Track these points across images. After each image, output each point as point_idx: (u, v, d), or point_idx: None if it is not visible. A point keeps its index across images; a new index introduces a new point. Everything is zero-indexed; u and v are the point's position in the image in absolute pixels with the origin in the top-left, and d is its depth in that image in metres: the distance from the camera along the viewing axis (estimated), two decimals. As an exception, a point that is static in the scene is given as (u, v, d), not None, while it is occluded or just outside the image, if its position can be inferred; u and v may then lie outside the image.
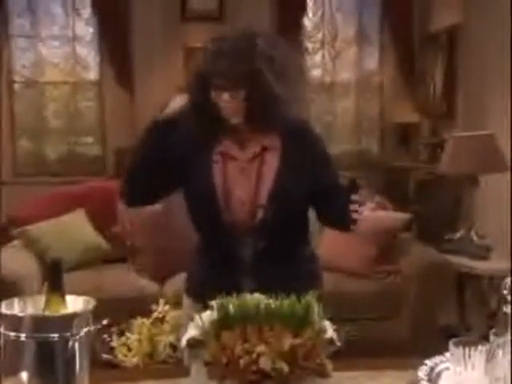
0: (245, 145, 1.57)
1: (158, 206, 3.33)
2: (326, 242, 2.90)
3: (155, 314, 1.74)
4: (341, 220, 1.49)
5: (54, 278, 1.05)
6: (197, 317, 1.06)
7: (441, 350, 1.21)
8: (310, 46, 5.89)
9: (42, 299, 1.06)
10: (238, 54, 1.47)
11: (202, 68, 1.53)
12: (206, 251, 1.64)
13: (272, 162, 1.55)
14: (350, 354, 1.26)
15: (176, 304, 1.77)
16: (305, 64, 5.37)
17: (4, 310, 1.03)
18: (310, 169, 1.55)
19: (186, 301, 1.64)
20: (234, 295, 1.08)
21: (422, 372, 1.16)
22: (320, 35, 5.90)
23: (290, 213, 1.55)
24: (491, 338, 1.10)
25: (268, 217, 1.52)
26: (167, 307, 1.76)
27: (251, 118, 1.52)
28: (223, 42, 1.51)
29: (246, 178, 1.55)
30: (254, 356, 0.96)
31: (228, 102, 1.50)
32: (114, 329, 1.74)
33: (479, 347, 1.07)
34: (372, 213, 3.37)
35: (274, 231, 1.54)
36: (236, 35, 1.52)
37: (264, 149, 1.56)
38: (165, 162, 1.56)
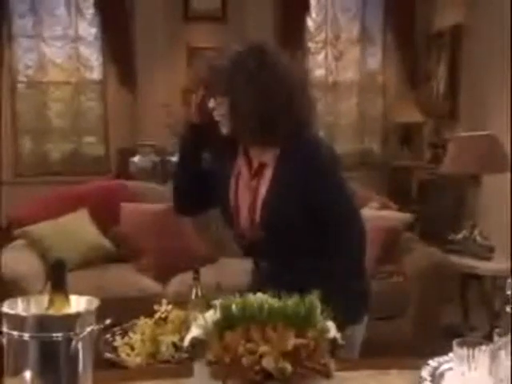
0: (250, 161, 1.61)
1: (160, 206, 3.34)
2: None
3: (158, 314, 1.74)
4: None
5: (58, 278, 1.05)
6: (200, 317, 1.06)
7: (444, 350, 1.21)
8: (312, 46, 5.89)
9: (45, 299, 1.06)
10: (221, 65, 1.54)
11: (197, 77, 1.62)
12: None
13: (266, 178, 1.57)
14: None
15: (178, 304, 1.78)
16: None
17: (7, 310, 1.03)
18: (304, 185, 1.52)
19: None
20: (237, 295, 1.08)
21: (426, 372, 1.16)
22: (323, 35, 5.89)
23: (285, 231, 1.55)
24: (495, 338, 1.10)
25: (263, 235, 1.55)
26: (170, 307, 1.76)
27: (238, 129, 1.54)
28: (221, 56, 1.58)
29: (247, 195, 1.59)
30: (257, 356, 0.96)
31: (213, 109, 1.55)
32: (116, 328, 1.74)
33: (483, 347, 1.07)
34: (375, 213, 3.38)
35: (273, 249, 1.56)
36: (232, 47, 1.58)
37: (261, 165, 1.58)
38: (200, 170, 1.64)
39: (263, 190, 1.56)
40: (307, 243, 1.56)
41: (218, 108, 1.55)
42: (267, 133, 1.53)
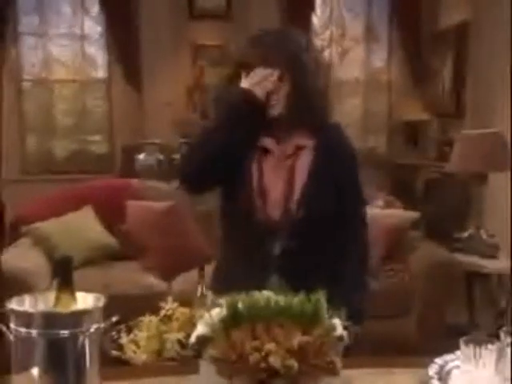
0: (281, 143, 1.57)
1: (166, 204, 3.35)
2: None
3: (163, 312, 1.74)
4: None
5: (64, 275, 1.05)
6: (206, 314, 1.06)
7: (449, 348, 1.20)
8: (318, 43, 5.88)
9: (52, 296, 1.06)
10: (285, 43, 1.51)
11: (240, 58, 1.55)
12: (234, 246, 1.62)
13: (305, 160, 1.55)
14: (360, 352, 1.26)
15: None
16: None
17: (15, 307, 1.04)
18: (337, 175, 1.55)
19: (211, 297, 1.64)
20: (244, 292, 1.08)
21: (432, 370, 1.15)
22: (328, 33, 5.89)
23: (322, 213, 1.54)
24: (501, 336, 1.09)
25: (301, 215, 1.51)
26: (175, 305, 1.76)
27: (287, 111, 1.52)
28: (259, 34, 1.55)
29: (280, 175, 1.54)
30: (264, 353, 0.96)
31: (271, 93, 1.49)
32: (122, 326, 1.74)
33: (490, 346, 1.07)
34: (380, 211, 3.37)
35: (308, 230, 1.53)
36: (279, 29, 1.60)
37: (298, 148, 1.56)
38: (233, 145, 1.52)
39: (302, 171, 1.53)
40: (332, 232, 1.57)
41: (278, 91, 1.50)
42: (315, 116, 1.53)
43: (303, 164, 1.54)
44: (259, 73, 1.50)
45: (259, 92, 1.49)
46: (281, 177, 1.53)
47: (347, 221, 1.57)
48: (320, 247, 1.56)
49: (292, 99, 1.50)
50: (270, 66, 1.49)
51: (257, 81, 1.50)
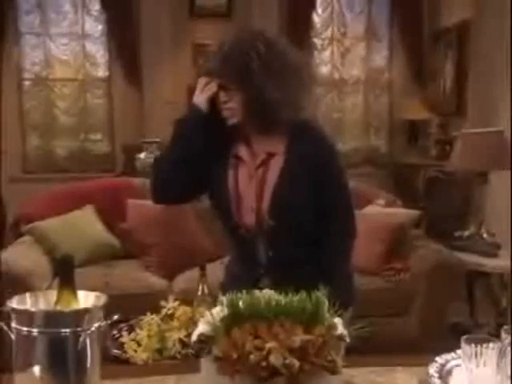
0: (254, 151, 1.58)
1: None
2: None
3: (165, 311, 1.74)
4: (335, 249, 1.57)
5: (65, 274, 1.06)
6: (207, 313, 1.06)
7: (450, 347, 1.20)
8: (318, 42, 5.88)
9: (53, 294, 1.06)
10: (233, 54, 1.50)
11: (204, 69, 1.57)
12: (230, 251, 1.70)
13: (275, 167, 1.55)
14: (360, 351, 1.25)
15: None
16: (311, 65, 5.37)
17: (16, 305, 1.04)
18: (313, 176, 1.53)
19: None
20: (244, 292, 1.08)
21: (433, 369, 1.15)
22: (329, 32, 5.88)
23: (295, 220, 1.55)
24: (502, 335, 1.09)
25: (273, 224, 1.53)
26: (176, 303, 1.76)
27: (248, 119, 1.53)
28: (225, 43, 1.54)
29: (253, 183, 1.55)
30: (265, 352, 0.96)
31: (224, 103, 1.53)
32: (123, 325, 1.74)
33: (491, 344, 1.07)
34: (381, 210, 3.37)
35: (282, 239, 1.55)
36: (238, 36, 1.54)
37: (270, 155, 1.56)
38: (193, 157, 1.57)
39: (272, 179, 1.54)
40: (310, 234, 1.58)
41: (230, 101, 1.52)
42: (280, 121, 1.52)
43: (274, 172, 1.55)
44: (201, 81, 1.56)
45: (201, 100, 1.55)
46: (253, 185, 1.55)
47: (330, 214, 1.56)
48: (301, 249, 1.57)
49: (248, 106, 1.51)
50: (223, 77, 1.52)
51: (199, 89, 1.56)
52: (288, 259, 1.56)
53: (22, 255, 3.04)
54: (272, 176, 1.54)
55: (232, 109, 1.53)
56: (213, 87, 1.54)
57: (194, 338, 1.05)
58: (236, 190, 1.56)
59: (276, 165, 1.55)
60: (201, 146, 1.55)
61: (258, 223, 1.55)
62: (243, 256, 1.63)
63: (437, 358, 1.19)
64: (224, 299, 1.06)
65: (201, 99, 1.56)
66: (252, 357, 0.96)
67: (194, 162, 1.57)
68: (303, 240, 1.57)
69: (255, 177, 1.56)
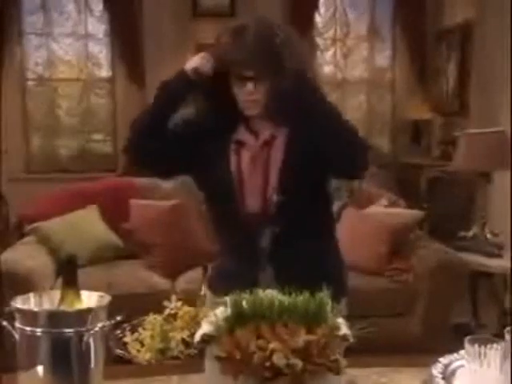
0: (256, 132, 1.56)
1: (169, 203, 3.35)
2: (339, 240, 2.89)
3: (167, 311, 1.74)
4: (347, 162, 1.49)
5: (69, 274, 1.06)
6: (210, 313, 1.06)
7: (453, 347, 1.20)
8: (321, 42, 5.88)
9: (57, 294, 1.07)
10: (262, 44, 1.46)
11: (223, 58, 1.51)
12: (224, 243, 1.64)
13: (280, 145, 1.54)
14: (364, 352, 1.25)
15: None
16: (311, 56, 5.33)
17: (20, 305, 1.04)
18: (316, 139, 1.48)
19: (208, 294, 1.65)
20: (248, 291, 1.08)
21: (437, 369, 1.15)
22: (332, 32, 5.88)
23: (303, 193, 1.53)
24: (506, 335, 1.09)
25: (281, 199, 1.51)
26: (179, 303, 1.76)
27: (269, 109, 1.51)
28: (244, 32, 1.48)
29: (257, 165, 1.53)
30: (268, 352, 0.96)
31: (250, 94, 1.49)
32: (126, 325, 1.75)
33: (494, 345, 1.07)
34: (384, 210, 3.37)
35: (289, 214, 1.52)
36: (254, 25, 1.50)
37: (273, 136, 1.55)
38: (183, 134, 1.55)
39: (278, 156, 1.52)
40: (315, 209, 1.58)
41: (258, 92, 1.48)
42: (288, 111, 1.49)
43: (278, 149, 1.53)
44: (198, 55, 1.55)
45: (190, 67, 1.53)
46: (257, 166, 1.53)
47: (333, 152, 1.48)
48: (305, 227, 1.56)
49: (268, 96, 1.48)
50: (255, 69, 1.47)
51: (193, 60, 1.55)
52: (291, 237, 1.53)
53: (25, 255, 3.05)
54: (277, 153, 1.53)
55: (257, 101, 1.50)
56: (208, 60, 1.51)
57: (197, 338, 1.05)
58: (239, 173, 1.53)
59: (281, 143, 1.54)
60: (174, 107, 1.53)
61: (263, 204, 1.52)
62: (241, 247, 1.57)
63: (440, 359, 1.18)
64: (227, 299, 1.06)
65: (189, 65, 1.54)
66: (255, 357, 0.96)
67: (180, 134, 1.54)
68: (308, 215, 1.55)
69: (259, 157, 1.54)
